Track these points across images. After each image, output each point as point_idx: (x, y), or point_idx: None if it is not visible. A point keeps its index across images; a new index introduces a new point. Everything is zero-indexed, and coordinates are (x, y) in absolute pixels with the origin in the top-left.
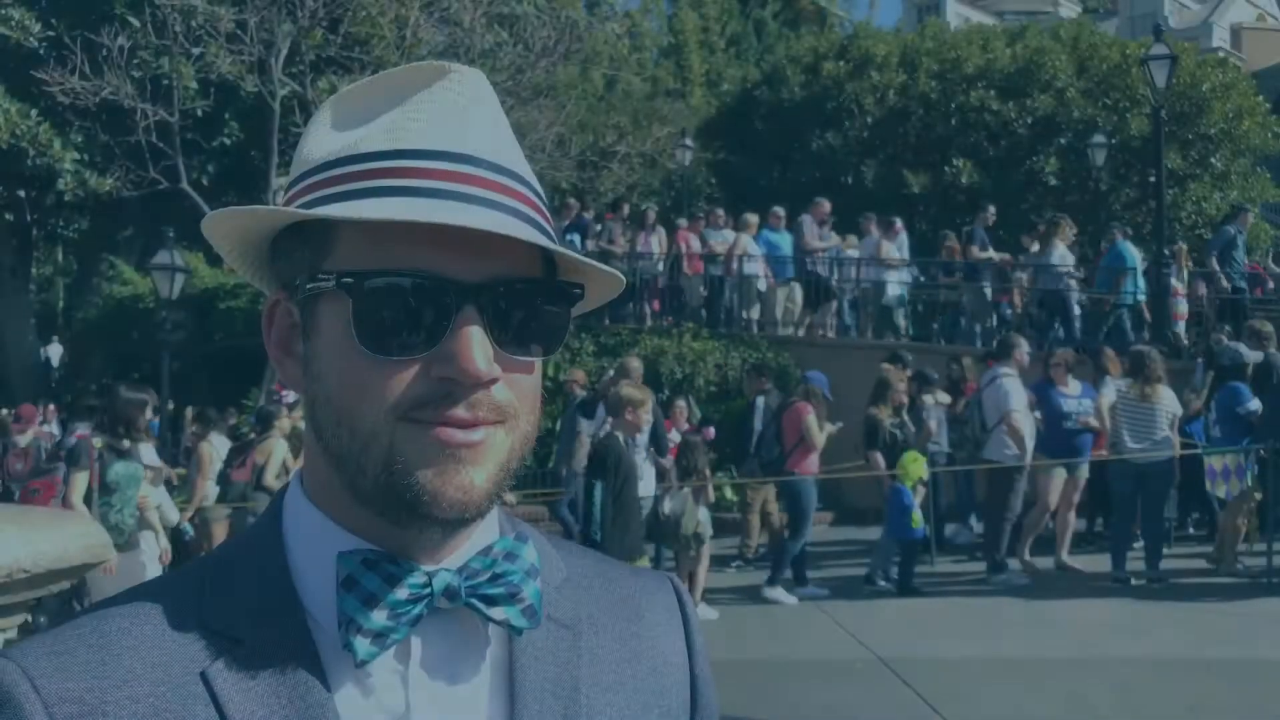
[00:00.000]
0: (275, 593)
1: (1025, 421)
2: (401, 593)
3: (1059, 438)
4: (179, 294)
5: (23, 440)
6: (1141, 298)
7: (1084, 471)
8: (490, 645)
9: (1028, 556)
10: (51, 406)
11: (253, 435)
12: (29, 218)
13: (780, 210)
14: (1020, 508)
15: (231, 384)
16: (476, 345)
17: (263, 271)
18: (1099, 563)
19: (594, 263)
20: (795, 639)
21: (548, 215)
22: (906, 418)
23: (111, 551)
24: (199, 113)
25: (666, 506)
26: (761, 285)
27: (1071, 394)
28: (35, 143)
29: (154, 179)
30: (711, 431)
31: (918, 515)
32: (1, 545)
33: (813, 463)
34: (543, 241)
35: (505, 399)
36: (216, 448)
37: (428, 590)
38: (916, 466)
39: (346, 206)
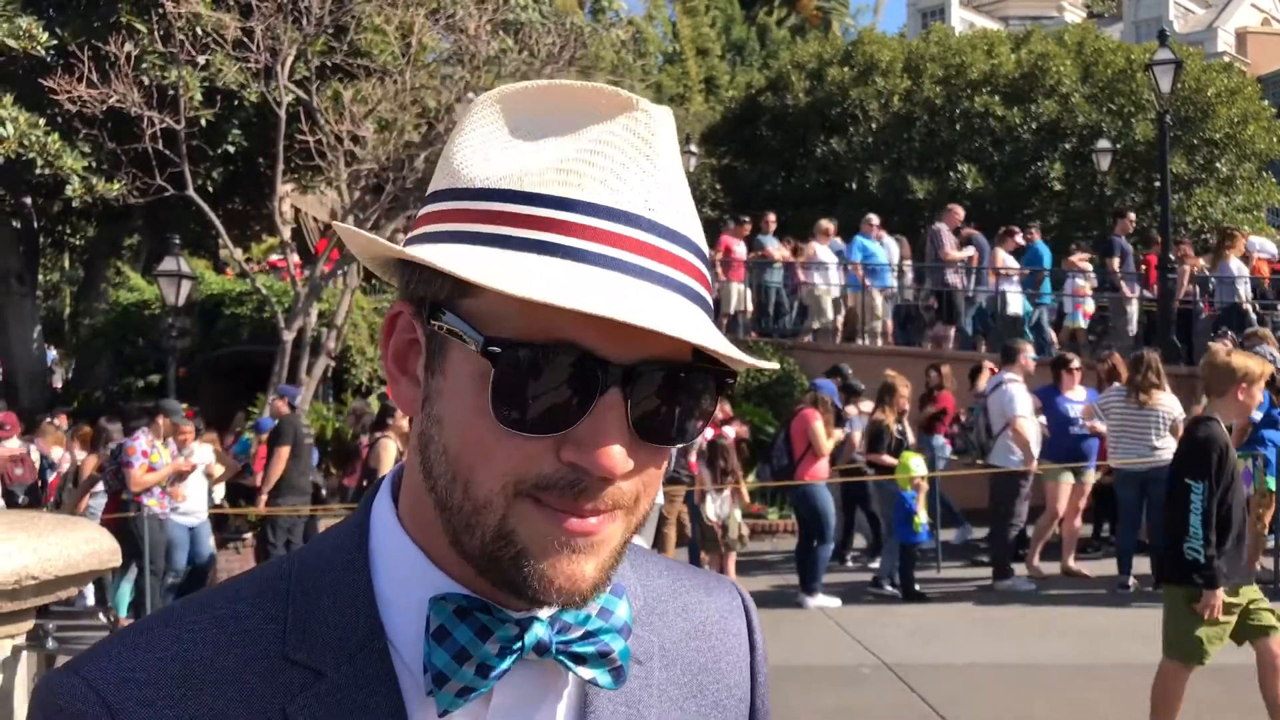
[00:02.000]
0: (360, 624)
1: (1031, 427)
2: (492, 647)
3: (1065, 443)
4: (185, 300)
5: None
6: (1049, 300)
7: (1090, 477)
8: (568, 687)
9: (1036, 562)
10: (62, 414)
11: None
12: (36, 225)
13: (874, 218)
14: (1026, 514)
15: (238, 390)
16: (615, 437)
17: (389, 265)
18: (1105, 568)
19: (755, 360)
20: (801, 644)
21: (709, 284)
22: (907, 424)
23: (118, 558)
24: (204, 120)
25: (712, 512)
26: (836, 292)
27: (1077, 399)
28: (44, 153)
29: (160, 186)
30: (729, 432)
31: (920, 519)
32: (10, 552)
33: (822, 468)
34: (709, 340)
35: (631, 490)
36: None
37: (519, 646)
38: (908, 466)
39: (505, 259)
